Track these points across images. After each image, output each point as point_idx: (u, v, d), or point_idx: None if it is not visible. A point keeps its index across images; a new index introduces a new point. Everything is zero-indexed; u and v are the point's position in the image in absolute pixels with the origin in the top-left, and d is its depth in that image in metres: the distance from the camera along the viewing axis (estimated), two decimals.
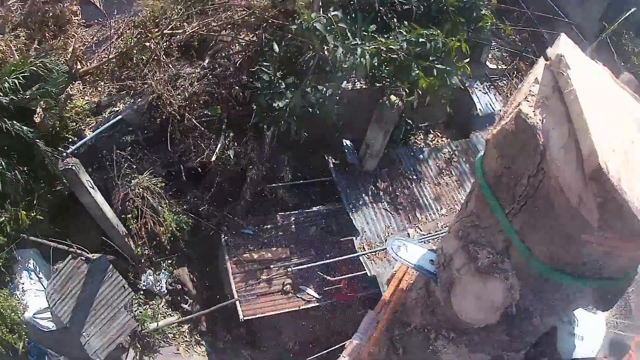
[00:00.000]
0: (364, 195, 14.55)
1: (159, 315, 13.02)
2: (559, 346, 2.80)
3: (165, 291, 13.39)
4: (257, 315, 13.05)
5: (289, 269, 13.81)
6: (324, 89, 12.58)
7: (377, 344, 4.66)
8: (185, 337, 13.67)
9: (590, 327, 3.00)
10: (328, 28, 11.65)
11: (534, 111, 1.90)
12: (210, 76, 13.04)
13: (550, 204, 2.01)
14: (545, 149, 1.87)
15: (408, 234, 14.26)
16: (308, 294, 13.62)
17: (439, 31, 12.67)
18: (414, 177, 15.44)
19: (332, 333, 13.99)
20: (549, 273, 2.16)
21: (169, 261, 13.60)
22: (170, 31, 12.81)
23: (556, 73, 1.94)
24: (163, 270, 13.35)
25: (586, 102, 1.64)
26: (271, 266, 13.88)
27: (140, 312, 12.64)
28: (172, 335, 13.41)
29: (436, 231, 14.42)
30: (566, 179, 1.69)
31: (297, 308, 13.44)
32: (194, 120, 12.53)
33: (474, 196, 2.99)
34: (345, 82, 13.66)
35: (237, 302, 12.90)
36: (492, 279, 2.29)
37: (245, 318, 12.85)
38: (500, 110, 18.80)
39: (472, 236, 2.61)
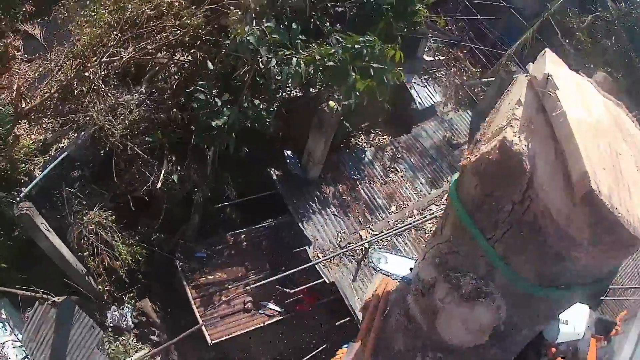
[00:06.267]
0: (311, 203, 15.94)
1: (131, 350, 14.00)
2: (544, 333, 3.30)
3: (132, 325, 14.37)
4: (224, 337, 14.19)
5: (247, 287, 15.05)
6: (260, 103, 13.51)
7: None
8: None
9: (573, 311, 3.39)
10: (261, 40, 12.03)
11: (519, 137, 1.94)
12: (148, 102, 13.81)
13: (536, 228, 2.12)
14: (533, 176, 1.91)
15: (360, 236, 15.74)
16: (270, 308, 15.06)
17: (375, 37, 13.34)
18: (359, 177, 17.00)
19: (299, 343, 15.52)
20: (538, 291, 2.44)
21: (131, 294, 14.61)
22: (108, 59, 13.41)
23: (541, 93, 2.04)
24: (126, 304, 14.36)
25: (574, 123, 1.73)
26: (229, 286, 15.07)
27: (112, 349, 13.58)
28: None
29: (388, 229, 16.02)
30: (554, 202, 1.80)
31: (262, 324, 14.75)
32: (136, 148, 13.28)
33: (449, 223, 3.01)
34: (281, 92, 14.57)
35: (203, 327, 13.98)
36: (478, 304, 2.56)
37: (213, 342, 13.98)
38: (439, 103, 20.85)
39: (451, 263, 2.77)
